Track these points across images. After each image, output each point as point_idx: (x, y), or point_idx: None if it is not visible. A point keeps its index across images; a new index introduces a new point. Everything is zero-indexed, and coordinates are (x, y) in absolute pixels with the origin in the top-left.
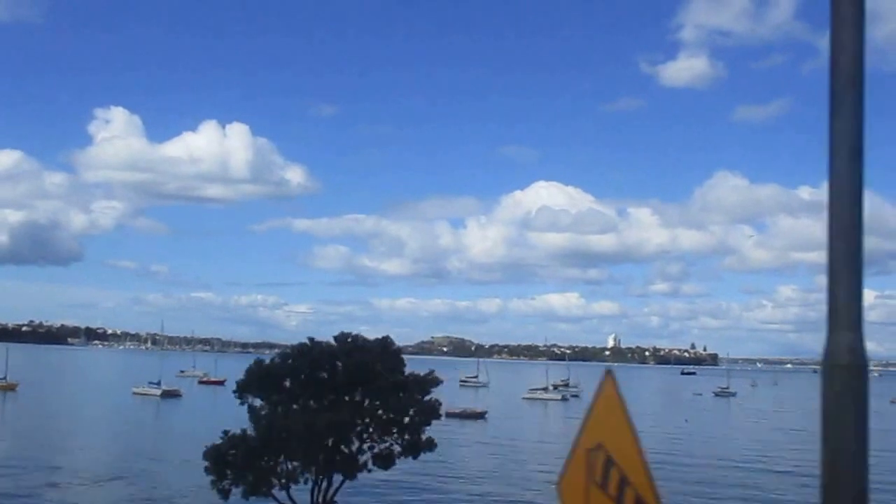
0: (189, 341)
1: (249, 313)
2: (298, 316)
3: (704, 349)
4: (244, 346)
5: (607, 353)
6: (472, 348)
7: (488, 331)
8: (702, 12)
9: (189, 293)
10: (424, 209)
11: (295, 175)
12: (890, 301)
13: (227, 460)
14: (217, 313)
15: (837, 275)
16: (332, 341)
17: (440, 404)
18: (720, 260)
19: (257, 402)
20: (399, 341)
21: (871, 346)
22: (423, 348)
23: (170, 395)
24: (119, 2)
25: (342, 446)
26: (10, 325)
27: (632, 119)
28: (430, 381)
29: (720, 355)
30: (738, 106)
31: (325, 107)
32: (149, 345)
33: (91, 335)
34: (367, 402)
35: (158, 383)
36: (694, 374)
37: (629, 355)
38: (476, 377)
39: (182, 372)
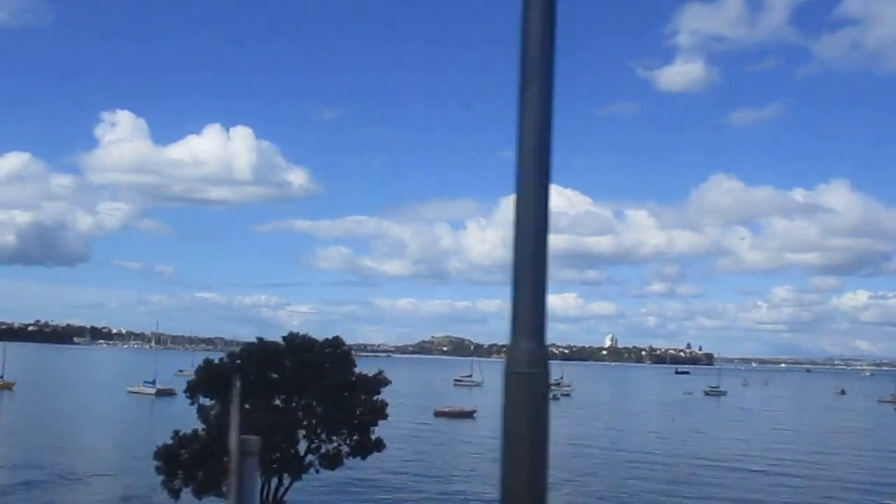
0: (192, 341)
1: (252, 313)
2: (300, 316)
3: (700, 349)
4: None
5: (604, 352)
6: (472, 348)
7: (488, 331)
8: (697, 18)
9: (193, 293)
10: (425, 211)
11: (297, 177)
12: (883, 301)
13: (178, 460)
14: (220, 313)
15: (519, 278)
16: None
17: (387, 405)
18: (716, 261)
19: (208, 402)
20: (400, 341)
21: (864, 345)
22: (424, 348)
23: (164, 393)
24: (125, 7)
25: (288, 446)
26: (16, 324)
27: (628, 123)
28: (379, 382)
29: (716, 355)
30: (734, 110)
31: (328, 110)
32: (153, 344)
33: (96, 334)
34: (313, 402)
35: (153, 382)
36: (688, 373)
37: (626, 355)
38: (470, 376)
39: (181, 371)
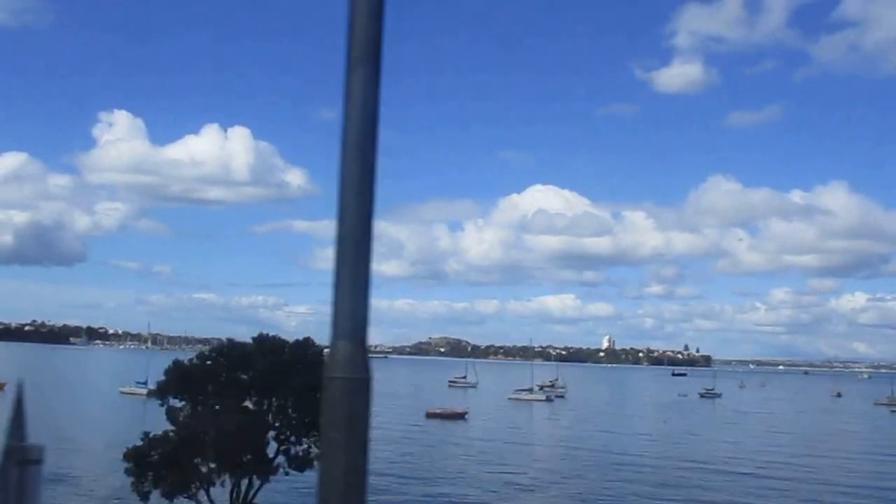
0: (189, 341)
1: (250, 314)
2: (298, 316)
3: (697, 351)
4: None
5: (602, 354)
6: (469, 349)
7: (485, 332)
8: (696, 19)
9: (191, 294)
10: (423, 212)
11: (295, 178)
12: (881, 304)
13: (147, 462)
14: (218, 314)
15: (340, 277)
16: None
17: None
18: (714, 263)
19: (180, 403)
20: (397, 342)
21: (862, 347)
22: (421, 349)
23: (156, 394)
24: (123, 7)
25: (257, 448)
26: (13, 324)
27: (627, 124)
28: None
29: (713, 357)
30: (732, 111)
31: (325, 110)
32: (149, 344)
33: (93, 335)
34: (283, 403)
35: (145, 383)
36: (685, 375)
37: (623, 357)
38: (464, 377)
39: None
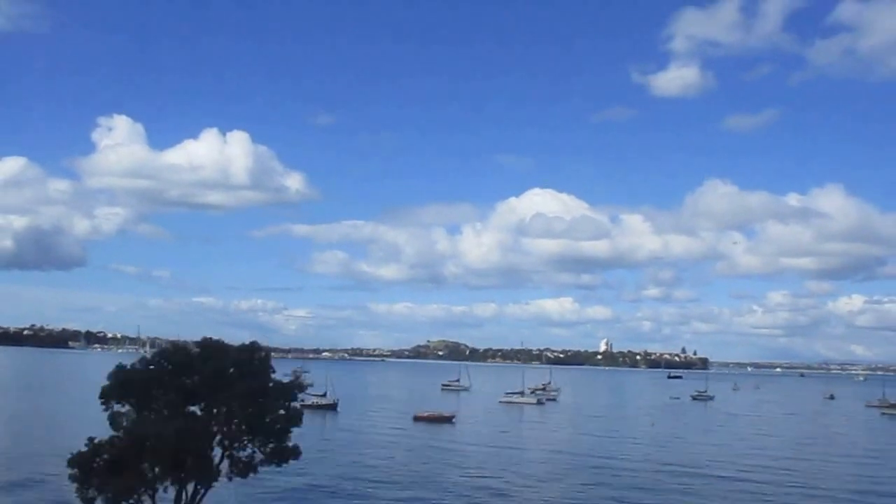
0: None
1: (249, 318)
2: (298, 320)
3: (695, 353)
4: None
5: (599, 357)
6: (467, 352)
7: (483, 335)
8: (692, 23)
9: (190, 298)
10: (421, 215)
11: (294, 182)
12: (878, 306)
13: (92, 467)
14: (217, 317)
15: None
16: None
17: (302, 412)
18: (711, 265)
19: (125, 409)
20: (396, 345)
21: (859, 350)
22: (420, 352)
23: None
24: (122, 12)
25: (199, 454)
26: (11, 328)
27: (624, 128)
28: (295, 387)
29: (711, 359)
30: (729, 115)
31: (324, 115)
32: (147, 348)
33: (91, 339)
34: (227, 408)
35: None
36: (681, 377)
37: (621, 359)
38: (458, 381)
39: None
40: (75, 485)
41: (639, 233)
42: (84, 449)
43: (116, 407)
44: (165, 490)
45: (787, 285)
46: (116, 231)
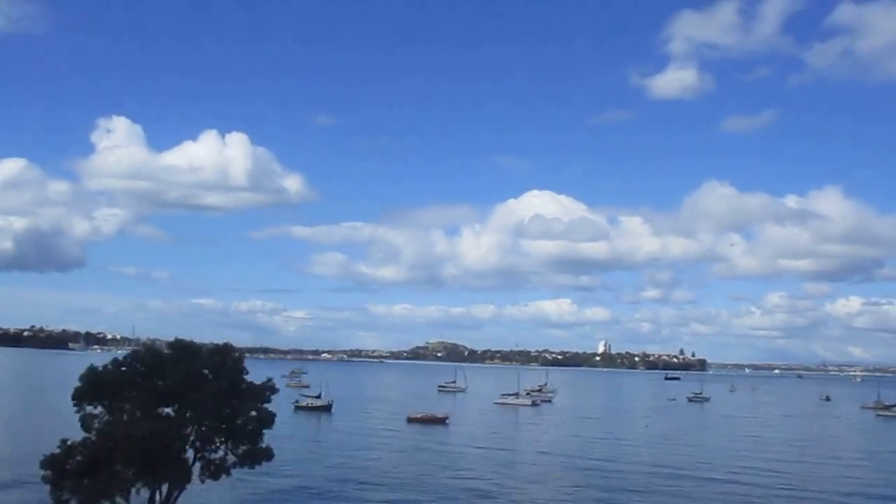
0: None
1: (249, 319)
2: (297, 321)
3: (693, 355)
4: (242, 351)
5: (598, 358)
6: (466, 354)
7: (482, 336)
8: (691, 25)
9: (189, 299)
10: (420, 217)
11: (293, 183)
12: (876, 308)
13: (65, 469)
14: (217, 319)
15: None
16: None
17: (274, 415)
18: (709, 267)
19: (96, 410)
20: (395, 346)
21: (857, 351)
22: (418, 353)
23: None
24: (122, 14)
25: (171, 455)
26: (11, 329)
27: (623, 129)
28: (267, 389)
29: (709, 361)
30: (727, 117)
31: (323, 117)
32: None
33: (91, 340)
34: (200, 410)
35: None
36: (678, 379)
37: (619, 361)
38: (454, 382)
39: None
40: (48, 487)
41: (637, 234)
42: (57, 451)
43: (88, 408)
44: (139, 492)
45: (786, 287)
46: (116, 232)
